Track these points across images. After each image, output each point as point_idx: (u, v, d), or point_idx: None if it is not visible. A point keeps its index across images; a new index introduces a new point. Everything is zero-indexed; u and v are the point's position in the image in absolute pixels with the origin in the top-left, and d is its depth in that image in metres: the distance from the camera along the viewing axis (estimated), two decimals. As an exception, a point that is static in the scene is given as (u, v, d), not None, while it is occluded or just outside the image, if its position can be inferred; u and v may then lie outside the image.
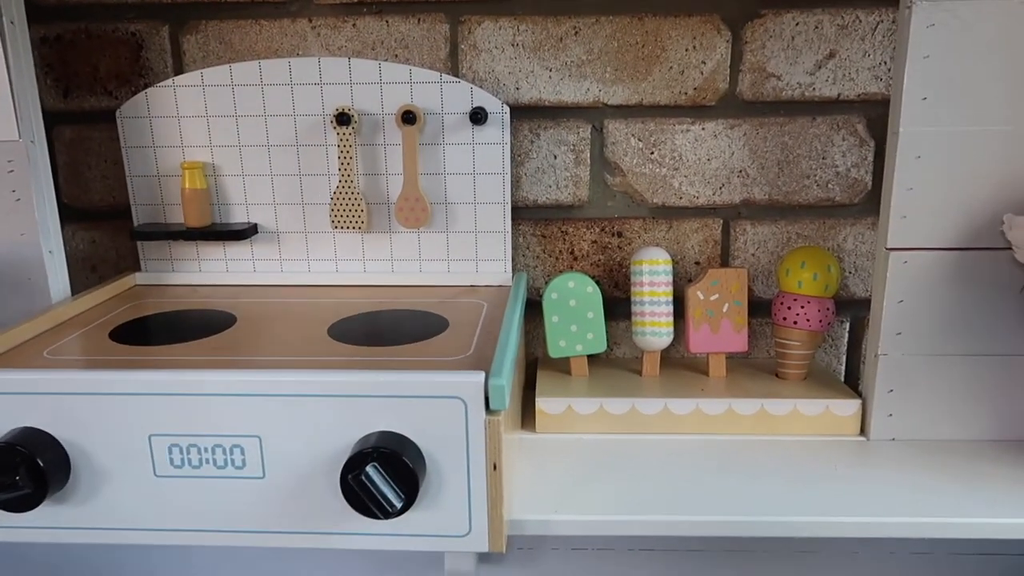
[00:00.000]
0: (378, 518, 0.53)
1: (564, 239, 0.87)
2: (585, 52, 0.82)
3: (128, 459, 0.57)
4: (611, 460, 0.72)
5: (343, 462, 0.55)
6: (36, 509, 0.56)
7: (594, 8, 0.81)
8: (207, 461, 0.57)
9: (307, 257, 0.84)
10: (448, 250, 0.83)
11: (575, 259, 0.88)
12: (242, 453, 0.57)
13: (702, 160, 0.85)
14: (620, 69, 0.83)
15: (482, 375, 0.54)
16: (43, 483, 0.55)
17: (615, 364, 0.86)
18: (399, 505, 0.53)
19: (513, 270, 0.85)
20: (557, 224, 0.87)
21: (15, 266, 0.73)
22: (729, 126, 0.84)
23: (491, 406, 0.55)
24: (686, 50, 0.82)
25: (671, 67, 0.82)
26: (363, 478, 0.52)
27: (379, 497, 0.52)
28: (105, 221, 0.89)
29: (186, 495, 0.58)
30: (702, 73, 0.83)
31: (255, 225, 0.83)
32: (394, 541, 0.57)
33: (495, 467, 0.55)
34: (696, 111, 0.84)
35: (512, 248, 0.86)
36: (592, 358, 0.84)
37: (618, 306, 0.87)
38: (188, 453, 0.57)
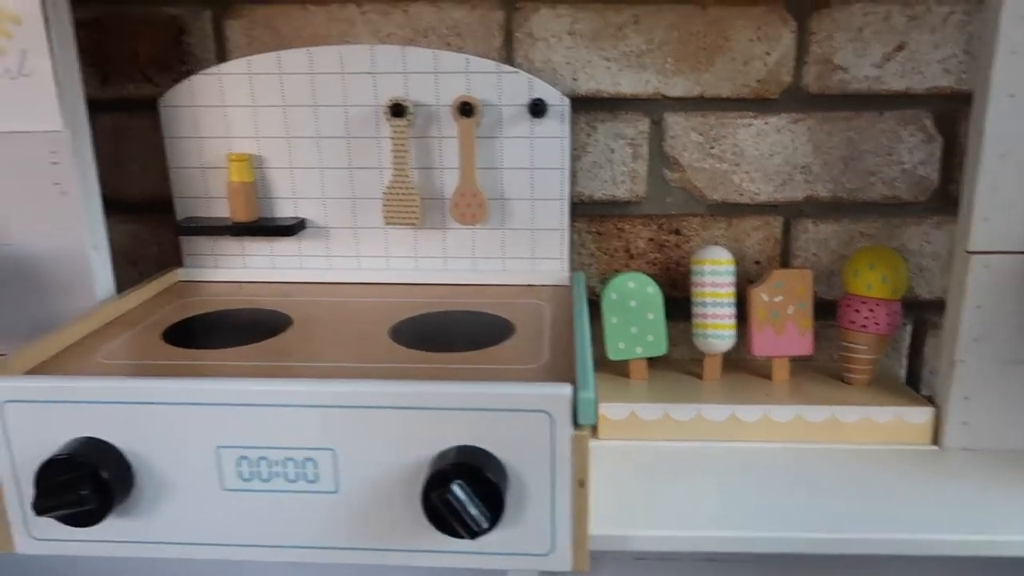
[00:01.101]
0: (462, 538, 0.51)
1: (620, 236, 0.85)
2: (645, 42, 0.79)
3: (194, 471, 0.55)
4: (678, 468, 0.70)
5: (422, 477, 0.53)
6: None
7: (657, -4, 0.78)
8: (277, 475, 0.54)
9: (357, 254, 0.81)
10: (503, 248, 0.80)
11: (631, 257, 0.85)
12: (315, 466, 0.54)
13: (764, 155, 0.82)
14: (681, 60, 0.80)
15: (569, 388, 0.52)
16: (108, 497, 0.53)
17: (673, 366, 0.84)
18: (486, 525, 0.50)
19: (570, 269, 0.82)
20: (613, 221, 0.84)
21: (59, 262, 0.70)
22: (793, 120, 0.81)
23: (579, 420, 0.52)
24: (750, 40, 0.79)
25: (734, 58, 0.79)
26: (449, 496, 0.50)
27: (465, 516, 0.50)
28: (145, 214, 0.86)
29: (255, 510, 0.55)
30: (766, 65, 0.79)
31: (303, 220, 0.80)
32: (472, 559, 0.55)
33: (582, 484, 0.53)
34: (759, 104, 0.81)
35: (566, 245, 0.83)
36: (648, 360, 0.82)
37: (675, 306, 0.84)
38: (258, 466, 0.54)
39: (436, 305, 0.74)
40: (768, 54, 0.79)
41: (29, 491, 0.56)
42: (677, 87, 0.80)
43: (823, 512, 0.63)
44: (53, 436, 0.55)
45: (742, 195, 0.83)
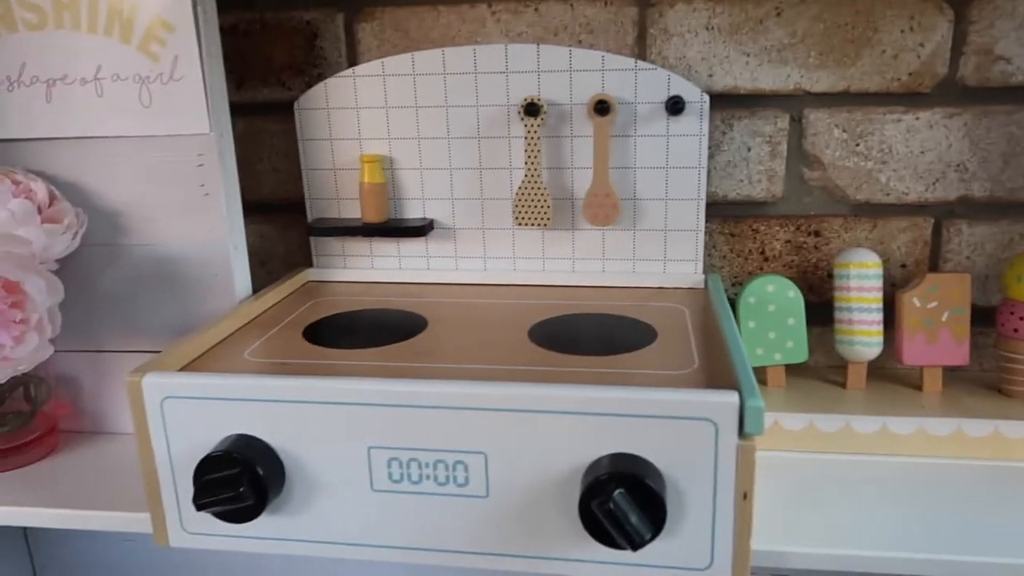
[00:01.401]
0: (621, 549, 0.49)
1: (755, 238, 0.81)
2: (787, 35, 0.76)
3: (345, 470, 0.54)
4: (829, 482, 0.66)
5: (577, 484, 0.51)
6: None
7: (801, -14, 0.74)
8: (428, 477, 0.54)
9: (484, 255, 0.80)
10: (634, 249, 0.78)
11: (765, 259, 0.82)
12: (465, 470, 0.53)
13: (914, 153, 0.77)
14: (825, 53, 0.76)
15: (736, 396, 0.49)
16: (263, 494, 0.53)
17: (812, 374, 0.80)
18: (648, 536, 0.48)
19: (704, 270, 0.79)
20: (747, 222, 0.81)
21: (203, 264, 0.71)
22: (947, 115, 0.76)
23: (745, 430, 0.49)
24: (901, 31, 0.74)
25: (883, 50, 0.75)
26: (610, 505, 0.48)
27: (627, 526, 0.48)
28: (275, 214, 0.87)
29: (404, 511, 0.54)
30: (919, 57, 0.75)
31: (432, 221, 0.79)
32: (626, 571, 0.53)
33: (745, 496, 0.50)
34: (910, 98, 0.76)
35: (699, 247, 0.80)
36: (785, 366, 0.78)
37: (813, 311, 0.80)
38: (408, 467, 0.54)
39: (569, 307, 0.72)
40: (922, 45, 0.74)
41: (184, 485, 0.57)
42: (820, 82, 0.76)
43: (993, 534, 0.58)
44: (208, 432, 0.55)
45: (888, 195, 0.78)
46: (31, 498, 0.67)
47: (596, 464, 0.51)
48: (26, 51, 0.68)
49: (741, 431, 0.50)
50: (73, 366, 0.75)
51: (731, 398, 0.49)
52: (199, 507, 0.53)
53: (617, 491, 0.48)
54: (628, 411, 0.50)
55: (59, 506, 0.65)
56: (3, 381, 0.61)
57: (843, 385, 0.76)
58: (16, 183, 0.67)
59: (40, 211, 0.66)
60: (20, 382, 0.72)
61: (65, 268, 0.69)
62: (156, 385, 0.55)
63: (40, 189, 0.68)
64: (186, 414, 0.56)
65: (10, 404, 0.71)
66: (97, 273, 0.73)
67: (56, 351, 0.66)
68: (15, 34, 0.68)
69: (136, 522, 0.63)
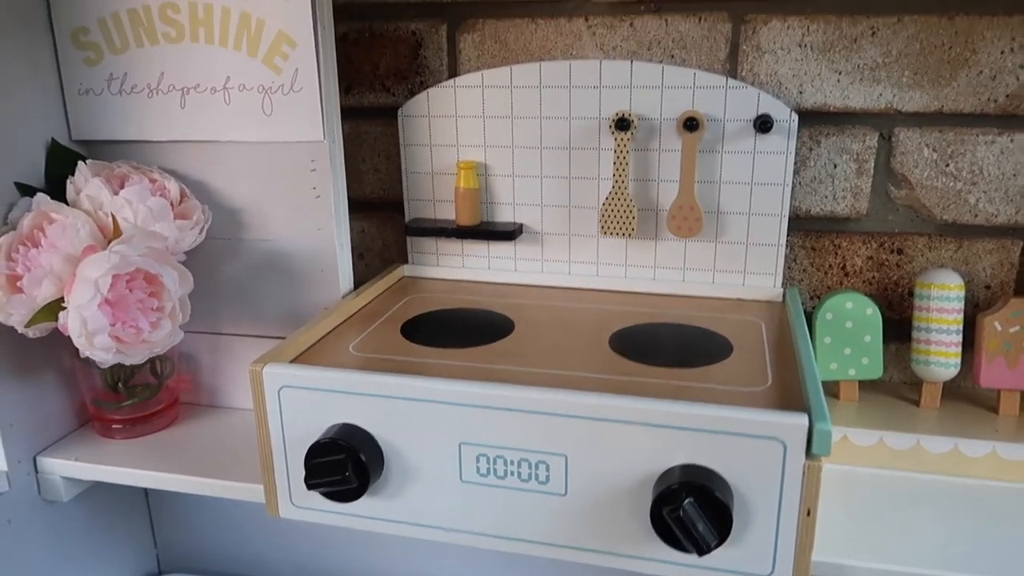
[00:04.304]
0: (688, 552, 0.53)
1: (836, 253, 0.82)
2: (882, 54, 0.76)
3: (437, 462, 0.60)
4: (896, 500, 0.68)
5: (649, 490, 0.56)
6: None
7: (897, 7, 0.75)
8: (512, 473, 0.59)
9: (569, 259, 0.84)
10: (715, 260, 0.80)
11: (846, 275, 0.83)
12: (547, 469, 0.58)
13: (1007, 175, 0.77)
14: (920, 73, 0.76)
15: (805, 418, 0.52)
16: (365, 478, 0.59)
17: (885, 390, 0.81)
18: (713, 543, 0.52)
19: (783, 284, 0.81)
20: (829, 237, 0.82)
21: (312, 259, 0.78)
22: (1044, 139, 0.75)
23: (813, 450, 0.52)
24: (1001, 52, 0.74)
25: (981, 71, 0.75)
26: (680, 514, 0.52)
27: (694, 533, 0.52)
28: (374, 212, 0.94)
29: (489, 503, 0.60)
30: (1018, 79, 0.74)
31: (521, 226, 0.84)
32: (691, 572, 0.57)
33: (809, 513, 0.53)
34: (1005, 120, 0.76)
35: (779, 260, 0.82)
36: (861, 382, 0.79)
37: (891, 327, 0.81)
38: (495, 463, 0.59)
39: (649, 316, 0.76)
40: (1022, 67, 0.74)
41: (295, 464, 0.63)
42: (913, 101, 0.77)
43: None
44: (318, 419, 0.62)
45: (977, 216, 0.78)
46: (156, 463, 0.75)
47: (668, 473, 0.55)
48: (165, 62, 0.76)
49: (808, 451, 0.53)
50: (194, 345, 0.83)
51: (800, 420, 0.52)
52: (309, 487, 0.59)
53: (687, 500, 0.52)
54: (701, 426, 0.54)
55: (181, 472, 0.74)
56: (141, 361, 0.69)
57: (917, 403, 0.78)
58: (153, 181, 0.75)
59: (172, 207, 0.74)
60: (149, 358, 0.80)
61: (191, 259, 0.76)
62: (275, 375, 0.62)
63: (173, 187, 0.75)
64: (299, 401, 0.62)
65: (139, 378, 0.80)
66: (218, 264, 0.80)
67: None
68: (156, 46, 0.75)
69: (250, 491, 0.71)
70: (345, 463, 0.58)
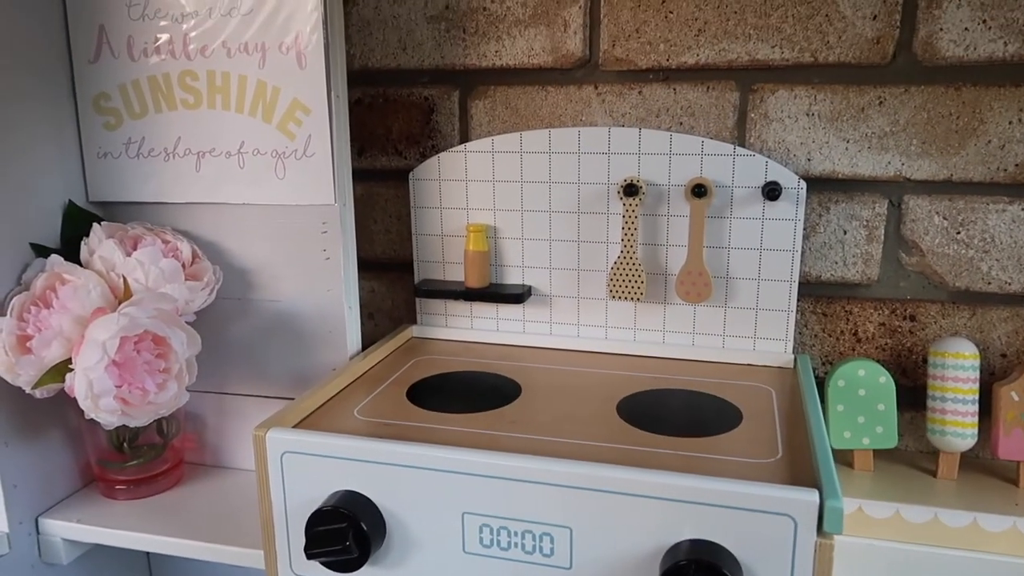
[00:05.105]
0: (696, 633, 0.51)
1: (848, 319, 0.82)
2: (889, 124, 0.77)
3: (440, 532, 0.59)
4: (912, 575, 0.66)
5: (656, 565, 0.54)
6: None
7: (904, 78, 0.75)
8: (516, 545, 0.57)
9: (578, 322, 0.84)
10: (725, 326, 0.80)
11: (858, 341, 0.82)
12: (551, 542, 0.57)
13: (1019, 243, 0.76)
14: (928, 142, 0.76)
15: (816, 495, 0.51)
16: (366, 547, 0.58)
17: (900, 459, 0.79)
18: (722, 624, 0.50)
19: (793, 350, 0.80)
20: (841, 303, 0.82)
21: (320, 320, 0.78)
22: (1055, 207, 0.75)
23: (824, 528, 0.51)
24: (1009, 123, 0.74)
25: (989, 141, 0.75)
26: (687, 592, 0.50)
27: (703, 613, 0.50)
28: (385, 272, 0.94)
29: (492, 575, 0.58)
30: (1027, 148, 0.74)
31: (530, 288, 0.84)
32: (701, 653, 0.55)
33: (822, 592, 0.52)
34: (1016, 189, 0.75)
35: (790, 325, 0.81)
36: (876, 451, 0.78)
37: (906, 395, 0.80)
38: (498, 535, 0.58)
39: (658, 381, 0.75)
40: (1029, 137, 0.74)
41: (296, 531, 0.62)
42: (922, 170, 0.77)
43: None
44: (321, 485, 0.61)
45: (990, 284, 0.78)
46: (158, 526, 0.75)
47: (676, 548, 0.53)
48: (182, 127, 0.77)
49: (820, 529, 0.51)
50: (200, 405, 0.83)
51: (811, 496, 0.51)
52: (310, 556, 0.58)
53: (694, 578, 0.50)
54: (709, 500, 0.53)
55: (184, 537, 0.73)
56: (146, 424, 0.69)
57: (934, 474, 0.76)
58: (165, 242, 0.75)
59: (184, 268, 0.75)
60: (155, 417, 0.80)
61: (200, 319, 0.77)
62: (278, 441, 0.62)
63: (185, 248, 0.76)
64: (302, 467, 0.62)
65: (144, 437, 0.80)
66: (227, 323, 0.81)
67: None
68: (174, 112, 0.77)
69: (251, 557, 0.70)
70: (346, 532, 0.57)
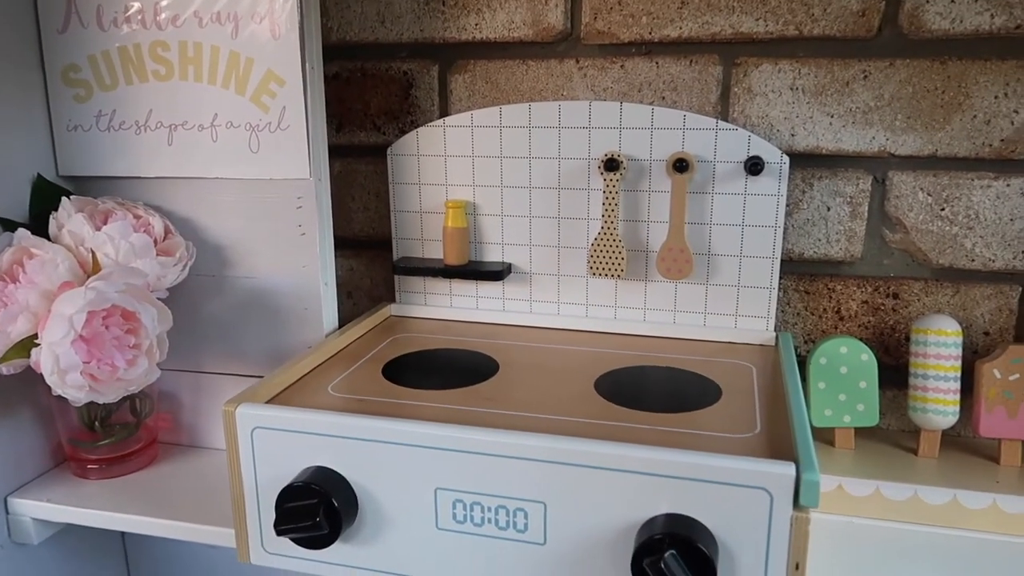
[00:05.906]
0: (671, 608, 0.50)
1: (830, 297, 0.81)
2: (874, 98, 0.76)
3: (413, 508, 0.58)
4: (893, 553, 0.65)
5: (631, 539, 0.53)
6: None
7: (889, 51, 0.74)
8: (489, 520, 0.57)
9: (558, 300, 0.83)
10: (706, 303, 0.79)
11: (840, 319, 0.81)
12: (525, 517, 0.56)
13: (1003, 220, 0.75)
14: (913, 117, 0.75)
15: (793, 468, 0.50)
16: (337, 523, 0.57)
17: (881, 437, 0.79)
18: (696, 599, 0.50)
19: (775, 328, 0.79)
20: (823, 280, 0.81)
21: (295, 297, 0.77)
22: (1040, 183, 0.74)
23: (801, 502, 0.50)
24: (995, 97, 0.73)
25: (975, 116, 0.74)
26: (662, 565, 0.49)
27: (677, 587, 0.49)
28: (363, 250, 0.93)
29: (465, 551, 0.58)
30: (1012, 123, 0.73)
31: (510, 265, 0.83)
32: (676, 628, 0.54)
33: (798, 567, 0.51)
34: (1001, 165, 0.75)
35: (772, 303, 0.81)
36: (857, 429, 0.77)
37: (887, 373, 0.79)
38: (471, 510, 0.57)
39: (637, 359, 0.74)
40: (1016, 112, 0.73)
41: (267, 508, 0.61)
42: (906, 145, 0.76)
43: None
44: (292, 461, 0.60)
45: (974, 261, 0.77)
46: (131, 506, 0.73)
47: (651, 523, 0.53)
48: (153, 99, 0.76)
49: (796, 502, 0.50)
50: (174, 384, 0.82)
51: (787, 470, 0.50)
52: (279, 532, 0.57)
53: (669, 552, 0.50)
54: (685, 474, 0.52)
55: (155, 516, 0.72)
56: (116, 400, 0.68)
57: (915, 452, 0.75)
58: (137, 217, 0.74)
59: (156, 244, 0.73)
60: (127, 396, 0.78)
61: (174, 296, 0.75)
62: (248, 416, 0.60)
63: (157, 223, 0.74)
64: (273, 443, 0.60)
65: (117, 416, 0.78)
66: (201, 301, 0.79)
67: (161, 370, 0.72)
68: (146, 84, 0.75)
69: (221, 536, 0.68)
70: (316, 508, 0.56)
